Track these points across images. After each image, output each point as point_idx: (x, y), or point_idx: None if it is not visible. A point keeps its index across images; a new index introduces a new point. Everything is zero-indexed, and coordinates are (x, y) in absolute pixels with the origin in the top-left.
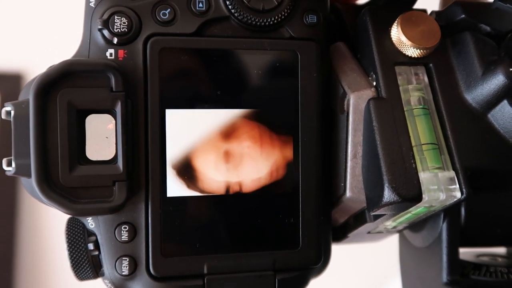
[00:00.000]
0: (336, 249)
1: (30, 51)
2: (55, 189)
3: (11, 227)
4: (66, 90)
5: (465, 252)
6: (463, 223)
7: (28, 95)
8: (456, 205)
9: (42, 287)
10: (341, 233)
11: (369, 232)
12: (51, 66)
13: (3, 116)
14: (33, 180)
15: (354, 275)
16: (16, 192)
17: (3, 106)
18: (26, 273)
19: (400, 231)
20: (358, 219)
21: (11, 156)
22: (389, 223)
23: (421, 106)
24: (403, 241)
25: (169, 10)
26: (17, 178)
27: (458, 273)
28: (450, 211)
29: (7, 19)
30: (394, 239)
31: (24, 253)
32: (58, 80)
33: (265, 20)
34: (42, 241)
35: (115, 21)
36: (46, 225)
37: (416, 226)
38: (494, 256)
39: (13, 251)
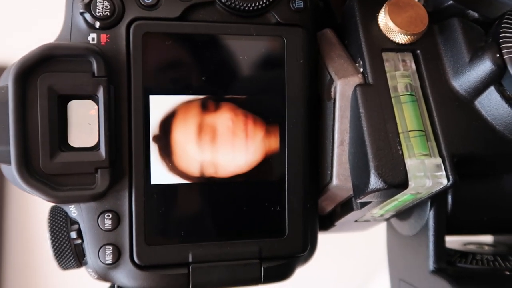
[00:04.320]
0: (326, 238)
1: (15, 43)
2: (35, 176)
3: None
4: (47, 75)
5: (452, 241)
6: (450, 211)
7: (7, 81)
8: (443, 193)
9: (31, 281)
10: (328, 222)
11: (356, 221)
12: (31, 50)
13: None
14: (13, 167)
15: (343, 266)
16: (3, 186)
17: None
18: (15, 266)
19: (387, 220)
20: (345, 207)
21: None
22: (376, 211)
23: (408, 93)
24: (390, 230)
25: None
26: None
27: (444, 261)
28: (437, 199)
29: None
30: (382, 229)
31: (13, 247)
32: (38, 64)
33: (250, 5)
34: (31, 236)
35: (97, 4)
36: (34, 219)
37: (403, 214)
38: (480, 244)
39: (1, 246)
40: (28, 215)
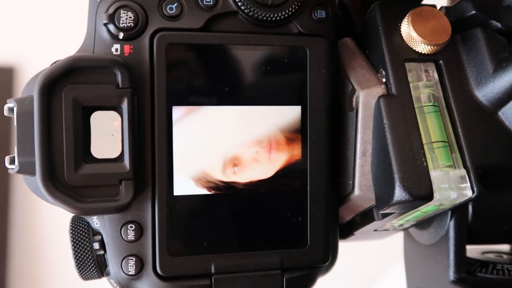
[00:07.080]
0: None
1: (23, 44)
2: (60, 188)
3: (4, 225)
4: (72, 87)
5: (470, 249)
6: (470, 221)
7: (31, 91)
8: (465, 203)
9: (36, 285)
10: (346, 231)
11: (375, 230)
12: (55, 62)
13: (5, 113)
14: (37, 179)
15: (355, 263)
16: (9, 190)
17: None
18: (20, 271)
19: (406, 229)
20: (365, 217)
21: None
22: (396, 222)
23: (431, 103)
24: (408, 239)
25: (176, 4)
26: (11, 176)
27: (465, 271)
28: (457, 209)
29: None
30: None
31: (18, 251)
32: (63, 76)
33: (273, 15)
34: (36, 240)
35: (121, 15)
36: (39, 223)
37: (422, 224)
38: (499, 253)
39: (6, 250)
40: (34, 222)
